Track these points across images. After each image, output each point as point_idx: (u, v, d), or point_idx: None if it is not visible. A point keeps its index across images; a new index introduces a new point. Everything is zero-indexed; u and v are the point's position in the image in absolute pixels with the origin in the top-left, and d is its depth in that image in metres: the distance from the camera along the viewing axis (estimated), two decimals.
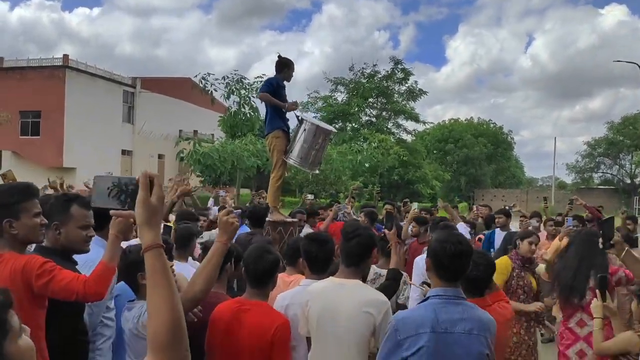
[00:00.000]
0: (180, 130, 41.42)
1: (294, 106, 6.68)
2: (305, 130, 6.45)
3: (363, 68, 43.03)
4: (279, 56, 6.80)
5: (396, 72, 42.89)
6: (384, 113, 44.32)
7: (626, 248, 3.12)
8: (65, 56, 37.45)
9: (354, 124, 42.34)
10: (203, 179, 34.09)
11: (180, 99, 42.18)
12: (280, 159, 6.55)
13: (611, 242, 3.10)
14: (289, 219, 6.61)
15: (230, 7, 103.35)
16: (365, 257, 3.09)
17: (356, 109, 42.54)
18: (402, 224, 7.21)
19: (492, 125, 63.00)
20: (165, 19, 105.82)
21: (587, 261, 4.03)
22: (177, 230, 4.50)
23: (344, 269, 3.07)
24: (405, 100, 43.93)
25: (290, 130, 6.81)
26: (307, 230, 6.83)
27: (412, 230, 6.82)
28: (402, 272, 4.05)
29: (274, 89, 6.56)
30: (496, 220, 8.20)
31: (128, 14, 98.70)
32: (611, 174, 53.90)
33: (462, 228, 7.12)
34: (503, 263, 4.81)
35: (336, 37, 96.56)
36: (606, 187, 51.86)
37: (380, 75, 42.87)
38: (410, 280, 5.06)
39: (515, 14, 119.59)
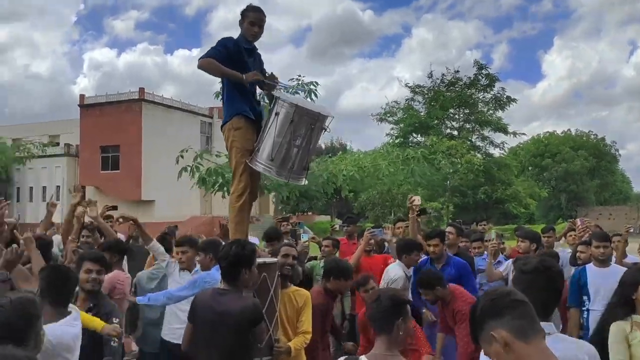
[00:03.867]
0: None
1: (256, 77, 4.00)
2: (277, 114, 3.80)
3: (443, 75, 39.93)
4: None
5: (480, 77, 39.49)
6: (467, 125, 40.83)
7: None
8: (141, 89, 37.88)
9: (433, 138, 39.32)
10: (281, 207, 32.25)
11: None
12: (242, 162, 3.97)
13: None
14: (270, 259, 3.89)
15: (321, 39, 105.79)
16: None
17: (436, 122, 39.50)
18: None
19: (592, 137, 57.73)
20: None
21: None
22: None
23: None
24: (492, 109, 40.34)
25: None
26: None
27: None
28: None
29: (227, 52, 3.99)
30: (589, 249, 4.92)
31: None
32: None
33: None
34: None
35: (426, 59, 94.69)
36: None
37: (461, 83, 39.67)
38: None
39: (615, 23, 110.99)
